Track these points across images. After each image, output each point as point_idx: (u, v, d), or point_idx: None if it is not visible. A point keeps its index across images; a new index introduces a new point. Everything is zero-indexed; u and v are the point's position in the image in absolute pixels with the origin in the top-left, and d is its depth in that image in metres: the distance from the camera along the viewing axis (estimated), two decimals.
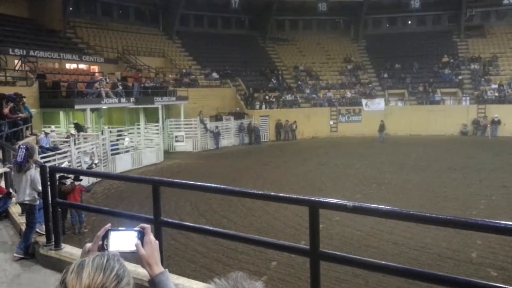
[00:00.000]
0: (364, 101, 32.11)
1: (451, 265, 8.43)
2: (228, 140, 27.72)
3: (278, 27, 39.70)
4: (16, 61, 20.24)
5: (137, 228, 1.45)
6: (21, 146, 5.36)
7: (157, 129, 22.44)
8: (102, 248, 1.39)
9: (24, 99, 14.25)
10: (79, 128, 19.33)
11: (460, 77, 33.43)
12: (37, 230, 5.36)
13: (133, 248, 1.41)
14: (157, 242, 1.46)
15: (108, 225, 1.43)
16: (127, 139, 20.72)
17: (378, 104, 31.96)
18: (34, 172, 5.30)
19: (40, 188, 5.23)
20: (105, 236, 1.40)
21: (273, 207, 12.28)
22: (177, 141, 25.34)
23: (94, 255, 1.14)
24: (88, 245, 1.41)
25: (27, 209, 5.28)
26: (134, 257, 1.45)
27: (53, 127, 18.61)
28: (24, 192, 5.23)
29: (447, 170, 18.13)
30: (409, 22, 39.40)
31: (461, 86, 32.81)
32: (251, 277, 1.04)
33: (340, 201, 2.96)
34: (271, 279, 7.86)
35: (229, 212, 12.37)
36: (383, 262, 3.00)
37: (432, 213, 2.88)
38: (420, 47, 36.48)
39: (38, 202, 5.34)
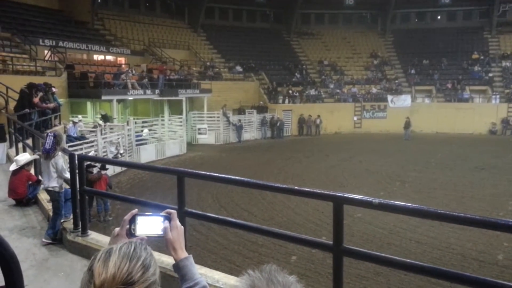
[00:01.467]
0: (389, 97, 31.57)
1: (475, 266, 8.24)
2: (250, 134, 27.76)
3: (304, 20, 39.33)
4: (45, 52, 20.72)
5: (163, 213, 1.47)
6: (49, 133, 5.45)
7: (181, 121, 22.66)
8: (130, 232, 1.41)
9: (55, 90, 14.58)
10: (106, 119, 19.69)
11: (490, 75, 32.47)
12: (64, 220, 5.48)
13: (160, 232, 1.43)
14: (182, 227, 1.48)
15: (135, 210, 1.45)
16: (145, 130, 20.95)
17: (404, 100, 31.37)
18: (61, 161, 5.42)
19: (66, 175, 5.36)
20: (132, 221, 1.42)
21: (294, 202, 12.26)
22: (200, 133, 25.54)
23: (122, 243, 1.15)
24: (117, 229, 1.43)
25: (53, 195, 5.39)
26: (160, 241, 1.47)
27: (80, 116, 19.04)
28: (50, 178, 5.34)
29: (474, 169, 17.68)
30: (439, 17, 38.42)
31: (491, 84, 31.87)
32: (283, 270, 1.04)
33: (366, 198, 2.92)
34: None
35: (250, 205, 12.41)
36: (407, 260, 2.96)
37: (458, 212, 2.81)
38: (449, 43, 35.55)
39: (63, 190, 5.45)
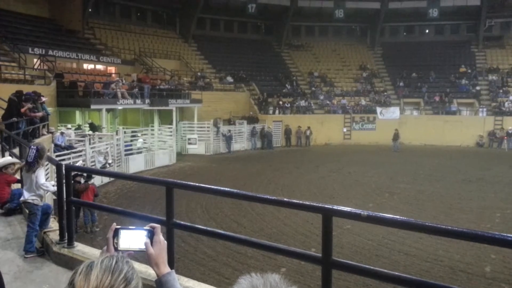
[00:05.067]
0: (378, 109, 31.88)
1: (463, 278, 8.28)
2: (241, 144, 27.75)
3: (294, 33, 39.73)
4: (35, 60, 20.58)
5: (147, 227, 1.46)
6: (32, 146, 5.41)
7: (171, 131, 22.58)
8: (113, 246, 1.41)
9: (44, 99, 14.44)
10: (94, 128, 19.55)
11: (477, 88, 33.00)
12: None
13: (142, 247, 1.42)
14: (165, 242, 1.47)
15: (114, 225, 1.44)
16: (140, 140, 20.90)
17: (393, 112, 31.70)
18: (42, 177, 5.33)
19: (49, 189, 5.31)
20: (116, 235, 1.42)
21: (283, 213, 12.24)
22: (189, 143, 25.46)
23: (103, 257, 1.14)
24: (104, 248, 1.42)
25: (30, 208, 5.30)
26: (142, 255, 1.46)
27: (69, 125, 18.90)
28: (29, 191, 5.28)
29: (461, 181, 17.86)
30: (427, 31, 39.11)
31: (478, 97, 32.38)
32: (288, 282, 1.04)
33: (354, 210, 2.92)
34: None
35: (239, 217, 12.36)
36: (396, 273, 2.95)
37: (446, 225, 2.83)
38: (437, 57, 36.16)
39: (42, 204, 5.38)
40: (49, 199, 7.81)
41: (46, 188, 5.30)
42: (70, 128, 17.77)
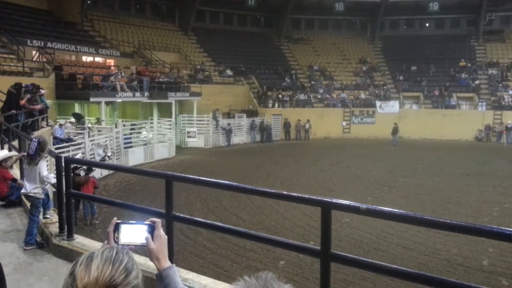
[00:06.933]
0: (378, 103, 31.84)
1: (461, 272, 8.33)
2: (240, 138, 27.74)
3: (294, 26, 39.56)
4: (33, 52, 20.48)
5: (147, 222, 1.47)
6: (34, 139, 5.42)
7: (170, 124, 22.56)
8: (113, 240, 1.41)
9: (43, 91, 14.41)
10: (78, 117, 19.33)
11: (477, 82, 32.95)
12: (48, 216, 5.46)
13: (143, 241, 1.43)
14: (166, 237, 1.47)
15: (114, 219, 1.45)
16: (144, 132, 20.92)
17: (392, 106, 31.68)
18: (44, 169, 5.36)
19: (50, 180, 5.33)
20: (116, 229, 1.42)
21: (282, 206, 12.28)
22: (189, 136, 25.45)
23: (103, 248, 1.15)
24: (105, 242, 1.43)
25: (32, 201, 5.33)
26: (143, 250, 1.47)
27: (72, 119, 18.88)
28: (32, 184, 5.30)
29: (460, 175, 17.90)
30: (427, 24, 38.95)
31: (477, 91, 32.35)
32: (280, 279, 1.03)
33: (353, 203, 2.93)
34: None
35: (238, 210, 12.39)
36: (394, 266, 2.98)
37: (444, 218, 2.84)
38: (437, 51, 36.04)
39: (43, 196, 5.40)
40: (49, 192, 7.84)
41: (48, 180, 5.33)
42: (72, 122, 17.73)
